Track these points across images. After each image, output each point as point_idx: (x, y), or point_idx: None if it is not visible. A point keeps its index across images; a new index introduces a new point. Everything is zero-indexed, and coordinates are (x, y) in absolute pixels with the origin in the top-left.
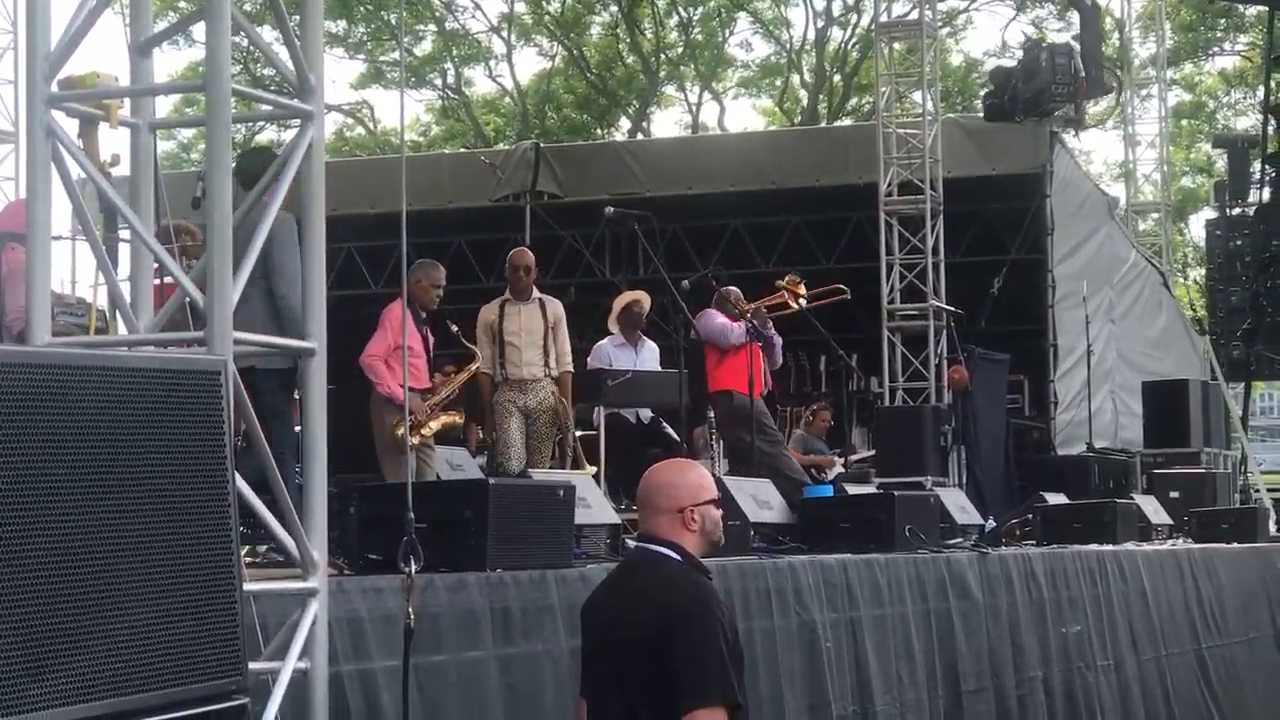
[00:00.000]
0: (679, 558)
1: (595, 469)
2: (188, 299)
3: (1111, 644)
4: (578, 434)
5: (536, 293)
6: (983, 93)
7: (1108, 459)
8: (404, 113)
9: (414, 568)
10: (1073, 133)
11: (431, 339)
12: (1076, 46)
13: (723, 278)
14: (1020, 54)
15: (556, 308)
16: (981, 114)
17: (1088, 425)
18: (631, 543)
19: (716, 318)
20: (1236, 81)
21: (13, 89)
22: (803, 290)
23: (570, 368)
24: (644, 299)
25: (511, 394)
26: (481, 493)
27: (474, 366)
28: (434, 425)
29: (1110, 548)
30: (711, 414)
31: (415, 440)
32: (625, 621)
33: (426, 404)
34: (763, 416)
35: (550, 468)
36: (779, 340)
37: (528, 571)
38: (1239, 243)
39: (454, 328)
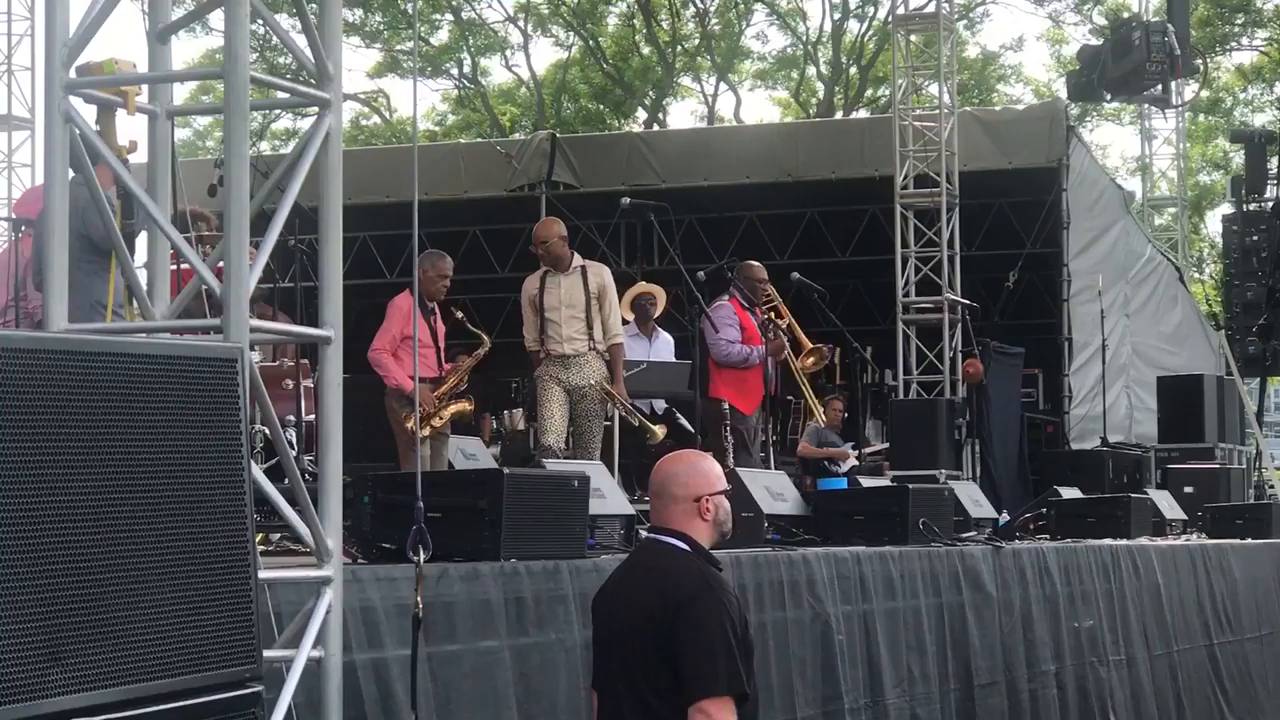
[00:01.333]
0: (689, 548)
1: (661, 431)
2: (204, 286)
3: (1124, 639)
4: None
5: (579, 260)
6: (1067, 72)
7: (1122, 454)
8: (417, 102)
9: (423, 557)
10: (1160, 113)
11: (441, 329)
12: (1171, 26)
13: (737, 269)
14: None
15: (601, 275)
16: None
17: (1102, 420)
18: (644, 533)
19: (725, 326)
20: (1254, 77)
21: (30, 75)
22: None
23: (620, 339)
24: (657, 293)
25: (554, 369)
26: (496, 482)
27: (481, 352)
28: (444, 415)
29: (1124, 543)
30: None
31: (426, 431)
32: (635, 612)
33: (434, 394)
34: (747, 433)
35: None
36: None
37: (541, 562)
38: (1255, 238)
39: (459, 314)
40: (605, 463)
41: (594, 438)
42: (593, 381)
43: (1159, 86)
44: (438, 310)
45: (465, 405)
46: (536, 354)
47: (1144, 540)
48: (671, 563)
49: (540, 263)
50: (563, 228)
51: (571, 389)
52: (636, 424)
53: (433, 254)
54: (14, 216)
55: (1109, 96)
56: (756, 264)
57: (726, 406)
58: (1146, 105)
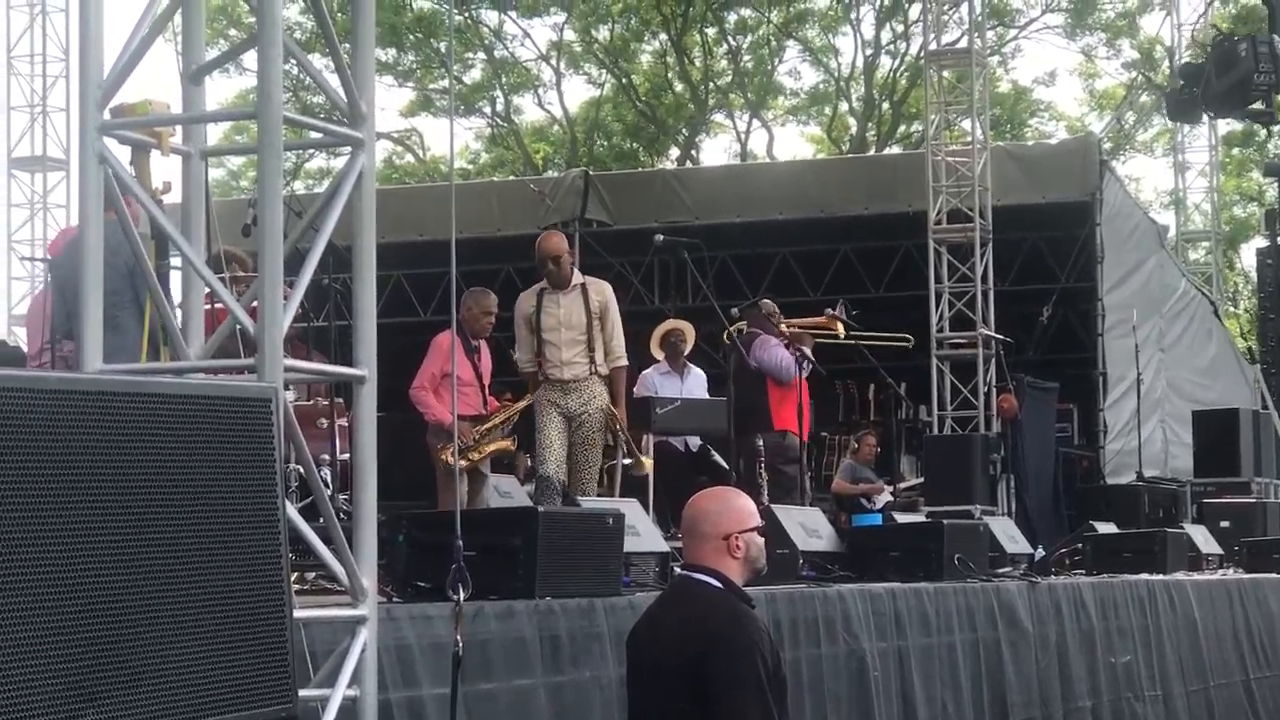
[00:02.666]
0: (721, 585)
1: (649, 463)
2: (238, 326)
3: (1160, 674)
4: (625, 461)
5: (579, 277)
6: (1167, 90)
7: (1157, 488)
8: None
9: (463, 595)
10: (1193, 146)
11: (487, 366)
12: (1276, 37)
13: (752, 313)
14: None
15: (603, 291)
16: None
17: (1137, 454)
18: (678, 570)
19: (778, 349)
20: None
21: (64, 116)
22: (843, 319)
23: (623, 362)
24: (686, 329)
25: (553, 394)
26: (530, 520)
27: (531, 398)
28: (484, 450)
29: (1160, 577)
30: (760, 443)
31: (463, 464)
32: (666, 649)
33: (475, 430)
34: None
35: (604, 468)
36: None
37: (576, 599)
38: None
39: (516, 355)
40: (641, 500)
41: (591, 467)
42: (593, 409)
43: (1264, 100)
44: (482, 347)
45: (507, 444)
46: (533, 375)
47: (1180, 575)
48: (702, 600)
49: (544, 279)
50: (567, 242)
51: (571, 415)
52: (627, 451)
53: (477, 291)
54: (49, 258)
55: (1210, 114)
56: (767, 301)
57: (792, 439)
58: (1180, 138)
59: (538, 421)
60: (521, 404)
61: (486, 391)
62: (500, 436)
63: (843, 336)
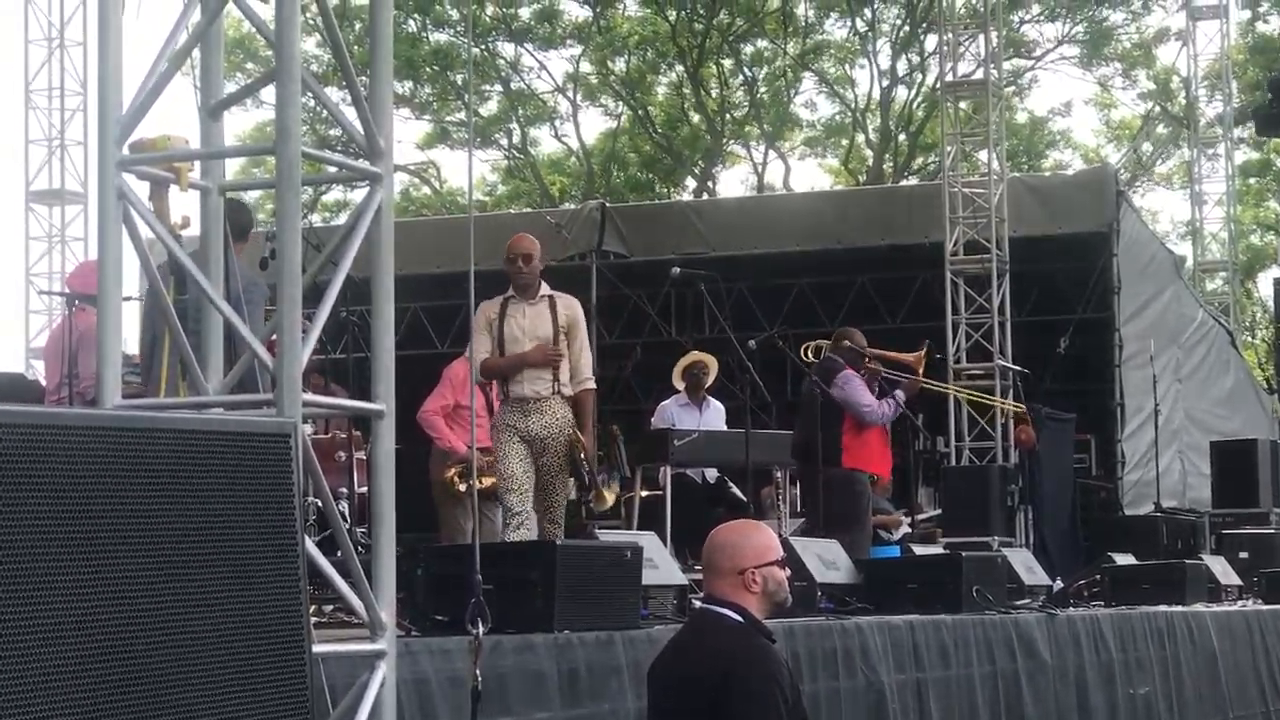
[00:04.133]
0: (740, 619)
1: (611, 496)
2: (256, 360)
3: (1179, 706)
4: (643, 493)
5: (546, 289)
6: (1253, 106)
7: (1176, 519)
8: (471, 172)
9: (481, 629)
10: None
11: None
12: None
13: (789, 338)
14: None
15: (573, 307)
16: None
17: (1155, 485)
18: (698, 604)
19: (863, 391)
20: None
21: (82, 150)
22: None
23: (590, 385)
24: (709, 362)
25: (512, 416)
26: (549, 554)
27: None
28: (487, 481)
29: (1179, 608)
30: (778, 474)
31: (462, 489)
32: (687, 683)
33: (485, 460)
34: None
35: (622, 499)
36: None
37: (595, 632)
38: None
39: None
40: (659, 533)
41: (558, 496)
42: (556, 432)
43: None
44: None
45: (601, 495)
46: (483, 386)
47: (1199, 606)
48: (722, 634)
49: (510, 284)
50: (539, 248)
51: (532, 439)
52: (587, 483)
53: None
54: (67, 291)
55: None
56: (855, 331)
57: (869, 477)
58: (1197, 169)
59: (496, 449)
60: None
61: None
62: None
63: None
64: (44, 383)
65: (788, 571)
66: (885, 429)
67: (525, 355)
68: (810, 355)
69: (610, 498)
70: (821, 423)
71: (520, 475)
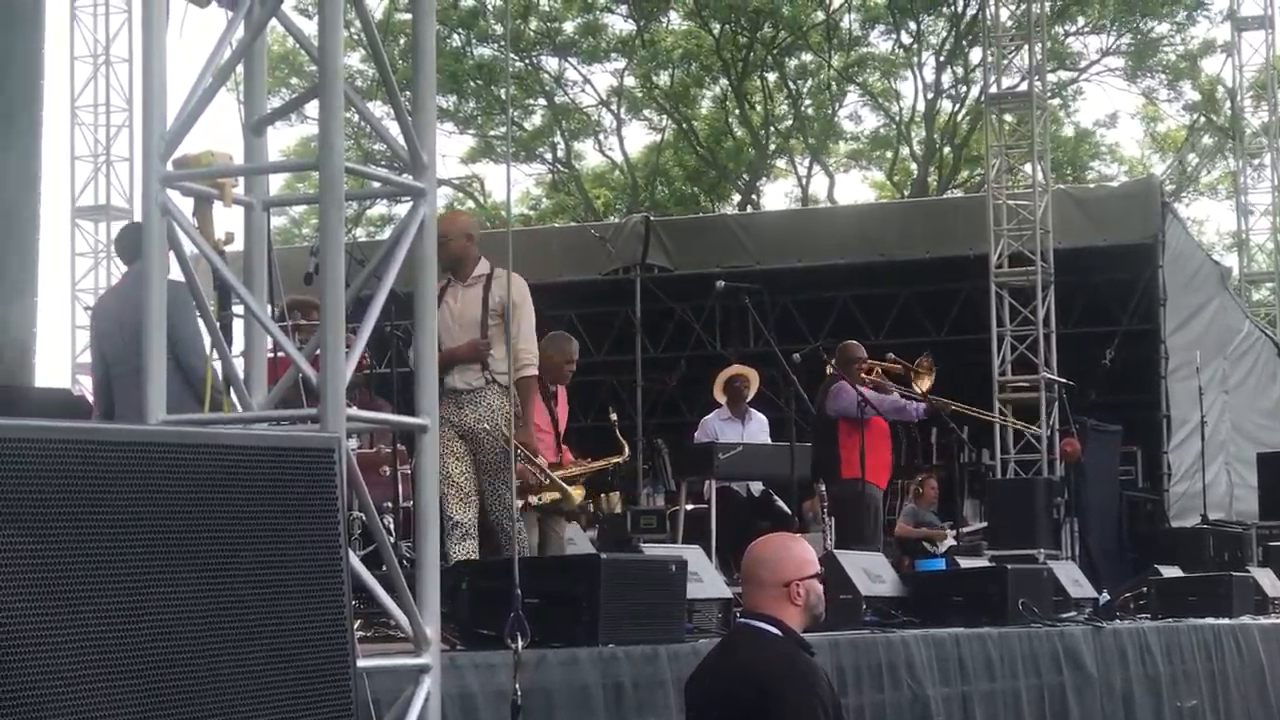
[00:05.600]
0: (780, 633)
1: (579, 494)
2: (300, 375)
3: (1227, 719)
4: (688, 507)
5: (484, 268)
6: None
7: (1223, 531)
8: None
9: (521, 644)
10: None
11: (564, 413)
12: None
13: (833, 351)
14: None
15: (513, 287)
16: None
17: (1202, 497)
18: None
19: (846, 394)
20: None
21: (128, 166)
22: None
23: (529, 371)
24: (750, 375)
25: (447, 409)
26: (593, 568)
27: (614, 461)
28: (546, 497)
29: (1226, 621)
30: (823, 488)
31: (521, 503)
32: (726, 697)
33: (542, 472)
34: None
35: (528, 506)
36: (905, 402)
37: (640, 646)
38: None
39: (614, 416)
40: (703, 546)
41: (502, 498)
42: (488, 426)
43: None
44: (560, 394)
45: (573, 492)
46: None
47: (1246, 619)
48: (762, 647)
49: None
50: (473, 225)
51: (466, 433)
52: (547, 482)
53: (558, 336)
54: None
55: None
56: (852, 343)
57: (863, 487)
58: (1242, 179)
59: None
60: (599, 465)
61: (561, 440)
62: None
63: (924, 389)
64: (90, 399)
65: (824, 585)
66: (886, 438)
67: (454, 352)
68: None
69: (578, 496)
70: (821, 441)
71: (459, 478)
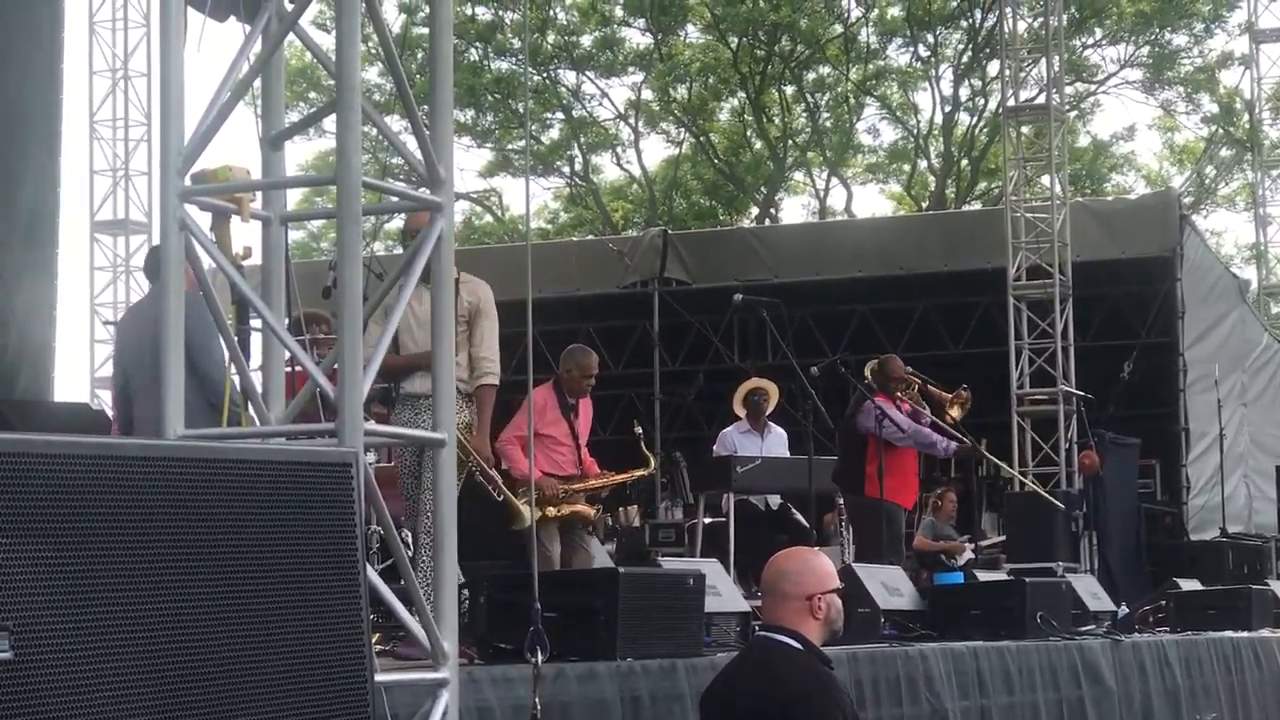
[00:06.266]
0: (800, 646)
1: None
2: (318, 389)
3: None
4: (706, 520)
5: (452, 271)
6: None
7: (1242, 544)
8: (529, 200)
9: (541, 658)
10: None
11: (585, 425)
12: None
13: (851, 364)
14: None
15: (477, 292)
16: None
17: (1221, 510)
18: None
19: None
20: None
21: (146, 180)
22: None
23: (490, 380)
24: (769, 389)
25: (405, 413)
26: (611, 582)
27: (638, 474)
28: (566, 510)
29: (1245, 634)
30: (841, 502)
31: (538, 515)
32: (745, 711)
33: (561, 486)
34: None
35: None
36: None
37: (658, 660)
38: None
39: (638, 429)
40: (721, 560)
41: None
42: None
43: None
44: (582, 406)
45: (587, 509)
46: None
47: (1265, 631)
48: (782, 661)
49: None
50: None
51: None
52: (500, 498)
53: (577, 350)
54: None
55: None
56: (896, 360)
57: (887, 504)
58: (1261, 191)
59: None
60: (624, 477)
61: (582, 451)
62: (583, 500)
63: (954, 419)
64: (110, 413)
65: (843, 600)
66: (914, 459)
67: (416, 357)
68: (868, 374)
69: (529, 516)
70: (848, 452)
71: (414, 491)
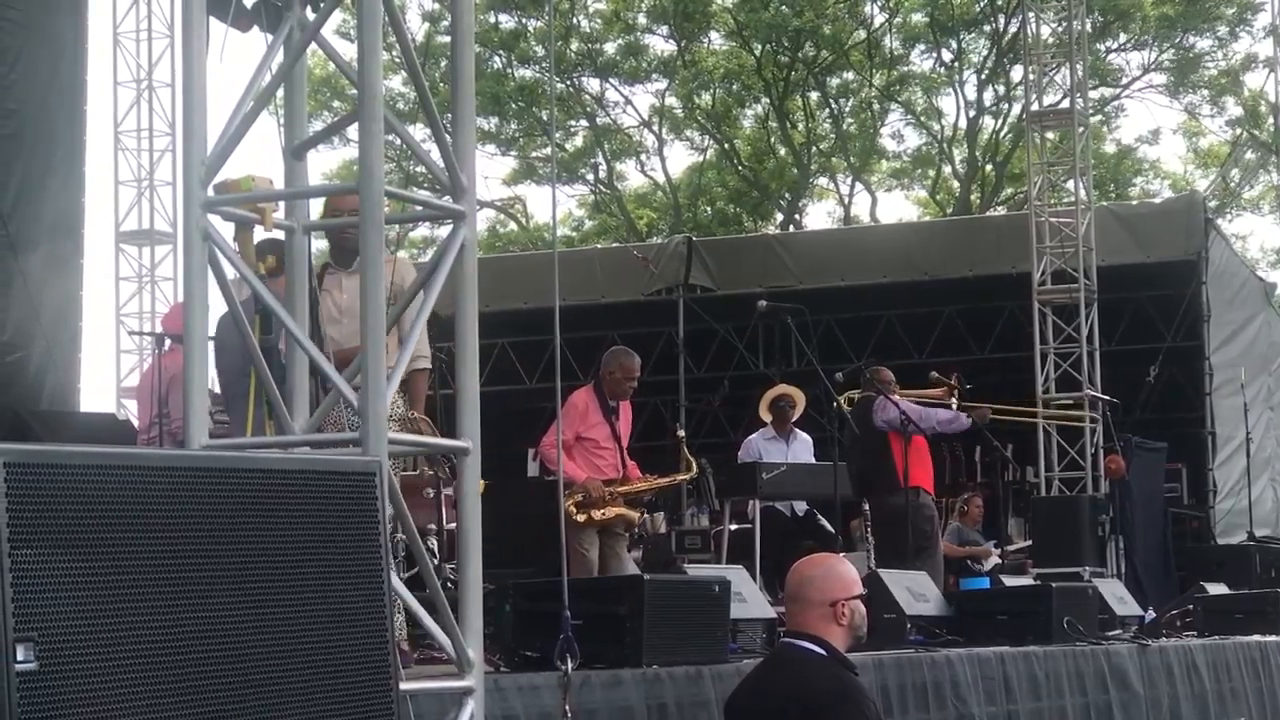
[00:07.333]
0: (825, 653)
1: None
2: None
3: None
4: (732, 526)
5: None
6: None
7: (1269, 547)
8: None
9: (570, 665)
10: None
11: (626, 427)
12: None
13: (871, 375)
14: None
15: (402, 275)
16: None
17: (1248, 514)
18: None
19: (891, 409)
20: None
21: (171, 190)
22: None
23: (423, 364)
24: (795, 395)
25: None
26: (637, 588)
27: (680, 479)
28: (610, 513)
29: (1273, 638)
30: (867, 507)
31: (581, 519)
32: (770, 717)
33: (606, 490)
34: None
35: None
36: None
37: (683, 667)
38: None
39: (680, 432)
40: (747, 566)
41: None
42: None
43: None
44: (623, 408)
45: (631, 513)
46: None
47: None
48: (807, 667)
49: (330, 249)
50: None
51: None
52: (424, 470)
53: (620, 351)
54: (160, 331)
55: None
56: (884, 369)
57: (926, 496)
58: None
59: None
60: (665, 481)
61: (625, 454)
62: (624, 504)
63: (954, 408)
64: (135, 423)
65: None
66: (927, 450)
67: (347, 352)
68: (845, 406)
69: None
70: (872, 455)
71: None
